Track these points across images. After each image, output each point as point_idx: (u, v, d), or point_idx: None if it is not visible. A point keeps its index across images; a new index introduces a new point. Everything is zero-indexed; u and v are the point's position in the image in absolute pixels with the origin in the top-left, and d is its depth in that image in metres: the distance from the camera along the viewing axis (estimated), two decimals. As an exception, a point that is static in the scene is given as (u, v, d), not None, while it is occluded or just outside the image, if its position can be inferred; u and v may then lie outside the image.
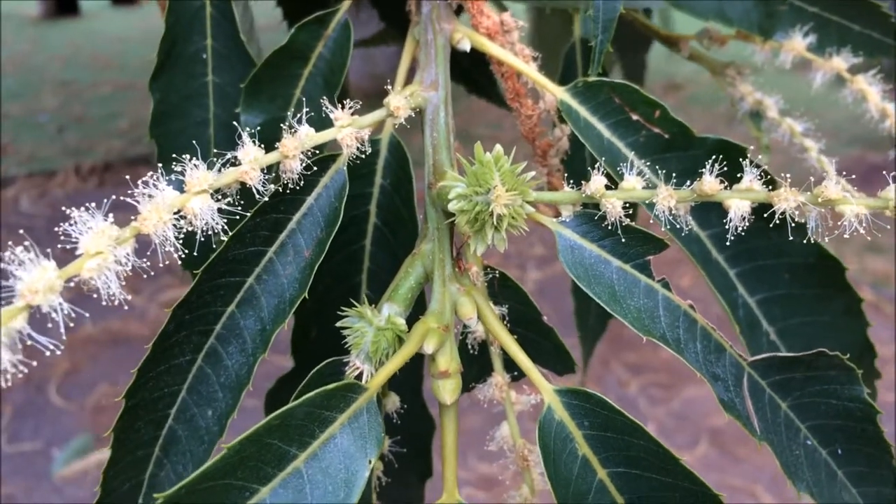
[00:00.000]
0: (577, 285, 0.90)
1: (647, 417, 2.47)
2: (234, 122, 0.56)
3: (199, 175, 0.41)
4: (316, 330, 0.62)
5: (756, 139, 0.72)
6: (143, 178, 0.40)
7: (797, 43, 0.68)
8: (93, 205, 0.38)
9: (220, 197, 0.42)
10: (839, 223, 0.39)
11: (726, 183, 0.43)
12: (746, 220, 0.42)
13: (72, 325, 0.34)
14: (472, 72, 0.95)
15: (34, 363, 0.34)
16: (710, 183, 0.42)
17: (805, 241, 0.57)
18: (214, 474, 0.35)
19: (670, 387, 2.59)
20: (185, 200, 0.40)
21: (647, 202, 0.45)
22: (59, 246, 0.37)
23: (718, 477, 2.21)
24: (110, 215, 0.37)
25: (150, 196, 0.40)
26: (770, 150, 0.73)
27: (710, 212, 0.57)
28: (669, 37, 0.75)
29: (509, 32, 0.58)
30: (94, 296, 0.38)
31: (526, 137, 0.61)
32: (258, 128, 0.63)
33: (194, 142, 0.68)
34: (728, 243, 0.58)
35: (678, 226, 0.45)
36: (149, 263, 0.39)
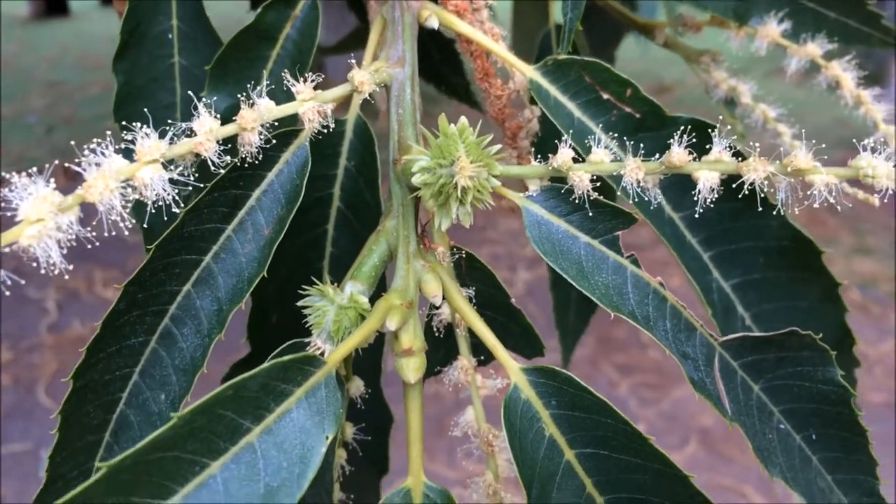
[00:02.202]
0: (556, 284, 0.89)
1: (638, 418, 2.47)
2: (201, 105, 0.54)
3: (150, 144, 0.40)
4: (276, 315, 0.60)
5: (731, 126, 0.72)
6: (91, 146, 0.38)
7: (772, 29, 0.67)
8: (34, 170, 0.36)
9: (172, 168, 0.41)
10: (809, 192, 0.38)
11: (695, 154, 0.42)
12: (715, 192, 0.41)
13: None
14: (443, 69, 0.94)
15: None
16: (678, 154, 0.41)
17: (780, 223, 0.57)
18: (163, 444, 0.33)
19: (660, 387, 2.59)
20: (134, 169, 0.39)
21: (615, 175, 0.44)
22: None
23: (708, 476, 2.21)
24: (52, 181, 0.36)
25: (97, 164, 0.38)
26: (745, 137, 0.72)
27: (684, 194, 0.56)
28: (644, 24, 0.75)
29: (478, 10, 0.57)
30: (42, 270, 0.36)
31: (495, 119, 0.60)
32: (224, 111, 0.63)
33: (170, 122, 0.66)
34: (702, 226, 0.58)
35: (646, 199, 0.43)
36: (94, 234, 0.38)
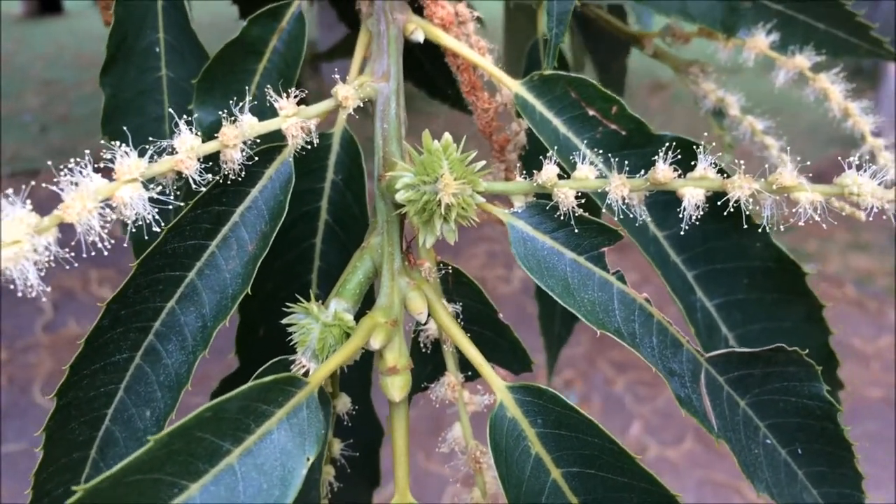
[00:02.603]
0: (541, 292, 0.89)
1: (634, 415, 2.47)
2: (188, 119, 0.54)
3: (129, 163, 0.39)
4: (263, 329, 0.60)
5: (719, 137, 0.72)
6: (69, 165, 0.38)
7: (760, 41, 0.68)
8: (10, 190, 0.35)
9: (153, 187, 0.40)
10: (794, 210, 0.38)
11: (680, 171, 0.42)
12: (700, 209, 0.41)
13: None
14: (434, 75, 0.94)
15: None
16: (663, 171, 0.41)
17: (765, 244, 0.57)
18: (141, 467, 0.33)
19: (655, 384, 2.60)
20: (113, 189, 0.38)
21: (601, 192, 0.44)
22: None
23: (703, 473, 2.22)
24: (28, 202, 0.35)
25: (75, 184, 0.38)
26: (733, 148, 0.72)
27: (668, 212, 0.56)
28: (633, 35, 0.75)
29: (464, 24, 0.57)
30: (20, 293, 0.36)
31: (483, 132, 0.60)
32: (212, 124, 0.62)
33: (151, 139, 0.66)
34: (687, 245, 0.58)
35: (631, 216, 0.43)
36: (73, 254, 0.37)
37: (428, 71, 0.91)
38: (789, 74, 0.68)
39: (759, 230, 0.58)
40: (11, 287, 0.35)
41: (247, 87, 0.65)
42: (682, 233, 0.43)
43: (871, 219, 0.39)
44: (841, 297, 3.03)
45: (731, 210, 0.56)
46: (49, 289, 0.36)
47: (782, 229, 0.39)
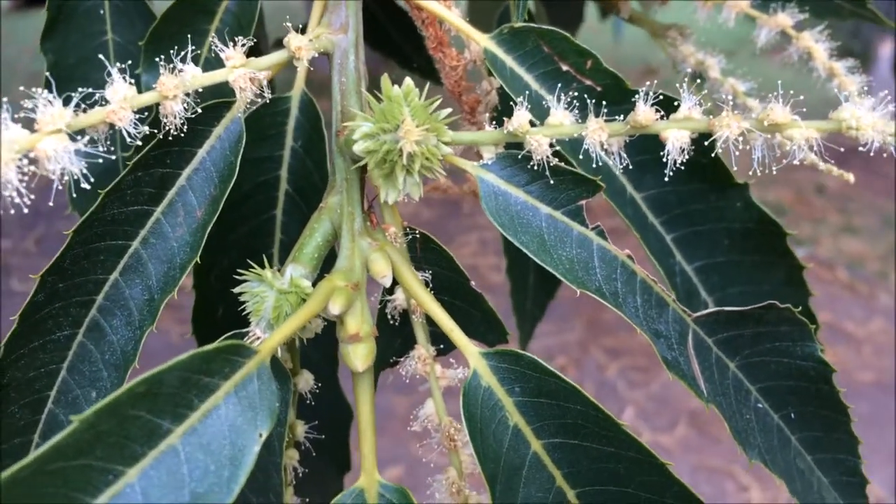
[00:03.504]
0: (512, 268, 0.86)
1: (627, 401, 2.46)
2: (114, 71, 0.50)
3: (53, 112, 0.35)
4: (223, 308, 0.56)
5: (699, 102, 0.68)
6: (-15, 114, 0.33)
7: (740, 0, 0.64)
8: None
9: (80, 138, 0.36)
10: (788, 149, 0.35)
11: (662, 113, 0.39)
12: (686, 153, 0.38)
13: None
14: (400, 43, 0.90)
15: None
16: (644, 112, 0.38)
17: (745, 205, 0.54)
18: (65, 453, 0.29)
19: (648, 370, 2.59)
20: (33, 140, 0.34)
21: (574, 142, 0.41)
22: None
23: (697, 458, 2.21)
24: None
25: (-9, 134, 0.33)
26: (706, 100, 0.69)
27: (645, 173, 0.53)
28: (606, -5, 0.71)
29: (429, -26, 0.53)
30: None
31: (452, 92, 0.56)
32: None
33: (80, 89, 0.62)
34: (665, 207, 0.55)
35: (612, 162, 0.40)
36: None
37: (395, 39, 0.87)
38: (771, 33, 0.65)
39: (739, 190, 0.55)
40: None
41: (198, 51, 0.61)
42: (665, 179, 0.40)
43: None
44: (833, 281, 3.03)
45: (712, 166, 0.54)
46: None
47: (774, 172, 0.36)
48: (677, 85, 0.39)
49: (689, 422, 2.35)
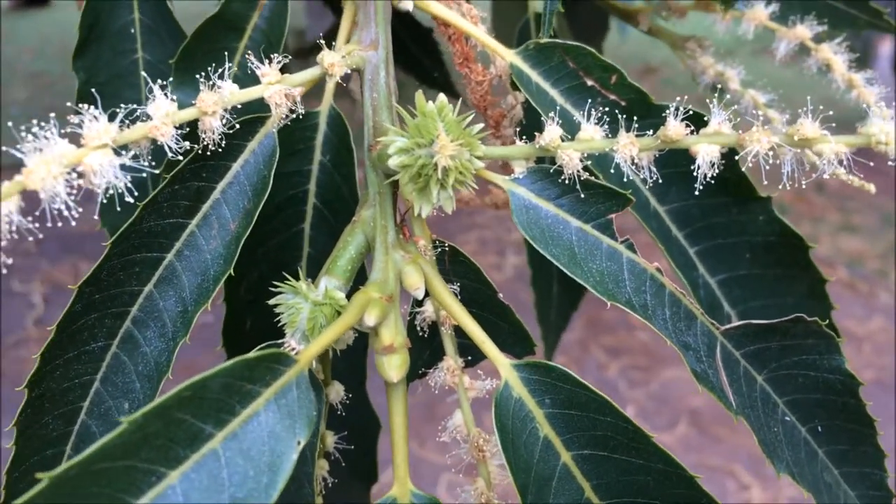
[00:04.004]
0: (536, 279, 0.86)
1: (627, 400, 2.45)
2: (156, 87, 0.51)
3: (99, 128, 0.36)
4: (251, 321, 0.56)
5: (728, 118, 0.69)
6: (32, 129, 0.34)
7: (759, 12, 0.65)
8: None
9: (124, 153, 0.37)
10: (817, 163, 0.35)
11: (692, 127, 0.39)
12: (716, 167, 0.38)
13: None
14: (420, 58, 0.91)
15: None
16: (675, 127, 0.38)
17: (768, 219, 0.55)
18: (113, 453, 0.30)
19: (649, 369, 2.57)
20: (81, 155, 0.35)
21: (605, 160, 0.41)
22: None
23: (697, 457, 2.19)
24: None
25: (39, 149, 0.34)
26: (735, 117, 0.70)
27: (670, 186, 0.54)
28: (626, 10, 0.72)
29: (456, -8, 0.54)
30: None
31: (477, 107, 0.57)
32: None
33: (122, 105, 0.63)
34: (689, 220, 0.55)
35: (642, 177, 0.40)
36: (37, 225, 0.34)
37: (414, 53, 0.88)
38: (790, 46, 0.65)
39: (762, 204, 0.56)
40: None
41: (228, 67, 0.62)
42: (696, 195, 0.40)
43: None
44: (833, 280, 3.02)
45: (735, 179, 0.54)
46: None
47: (804, 186, 0.37)
48: (710, 103, 0.39)
49: (689, 421, 2.34)
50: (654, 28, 0.73)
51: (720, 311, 0.57)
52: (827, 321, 0.55)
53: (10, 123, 0.39)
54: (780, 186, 0.36)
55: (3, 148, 0.35)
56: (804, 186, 0.37)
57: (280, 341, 0.42)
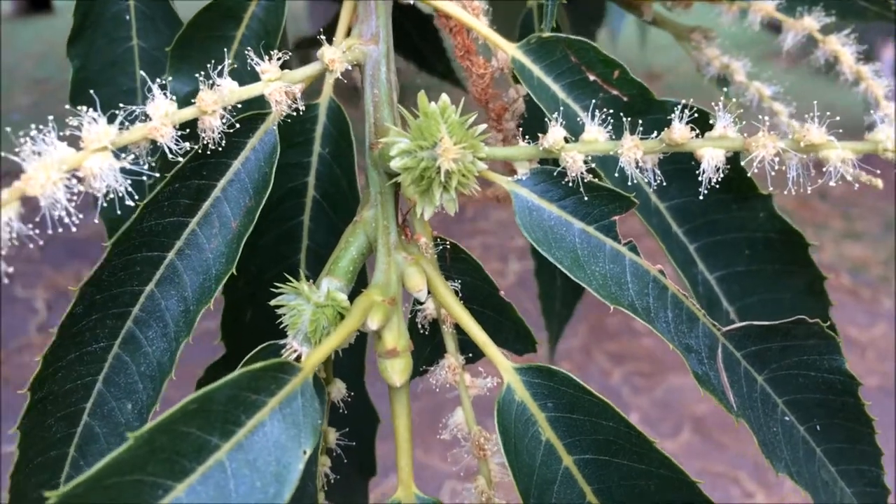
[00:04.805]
0: (540, 271, 0.86)
1: (631, 406, 2.46)
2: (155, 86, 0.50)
3: (98, 130, 0.36)
4: (251, 313, 0.56)
5: (724, 105, 0.69)
6: (31, 133, 0.34)
7: (766, 3, 0.64)
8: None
9: (125, 156, 0.37)
10: (824, 170, 0.35)
11: (697, 131, 0.39)
12: (721, 171, 0.38)
13: None
14: (421, 46, 0.90)
15: None
16: (680, 130, 0.38)
17: (768, 215, 0.55)
18: (120, 468, 0.30)
19: (653, 375, 2.58)
20: (80, 159, 0.35)
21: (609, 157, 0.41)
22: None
23: (702, 464, 2.21)
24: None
25: (38, 154, 0.34)
26: (740, 119, 0.69)
27: (669, 183, 0.53)
28: (630, 0, 0.71)
29: (458, -17, 0.53)
30: None
31: (478, 100, 0.57)
32: (188, 95, 0.58)
33: (121, 105, 0.62)
34: (688, 216, 0.55)
35: (647, 180, 0.40)
36: (38, 232, 0.34)
37: (416, 42, 0.87)
38: (797, 37, 0.65)
39: (763, 200, 0.55)
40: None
41: (225, 56, 0.61)
42: (700, 197, 0.40)
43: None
44: (835, 286, 3.02)
45: (736, 177, 0.54)
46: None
47: (809, 191, 0.36)
48: (709, 113, 0.39)
49: (693, 427, 2.35)
50: (659, 18, 0.72)
51: (719, 307, 0.57)
52: (828, 322, 0.55)
53: (8, 129, 0.38)
54: (786, 192, 0.36)
55: (4, 154, 0.34)
56: (808, 192, 0.37)
57: (281, 342, 0.42)
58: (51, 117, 0.35)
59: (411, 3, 0.52)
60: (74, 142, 0.36)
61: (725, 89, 0.69)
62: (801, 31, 0.63)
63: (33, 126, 0.33)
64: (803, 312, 0.56)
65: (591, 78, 0.52)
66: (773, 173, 0.37)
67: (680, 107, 0.40)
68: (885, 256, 3.24)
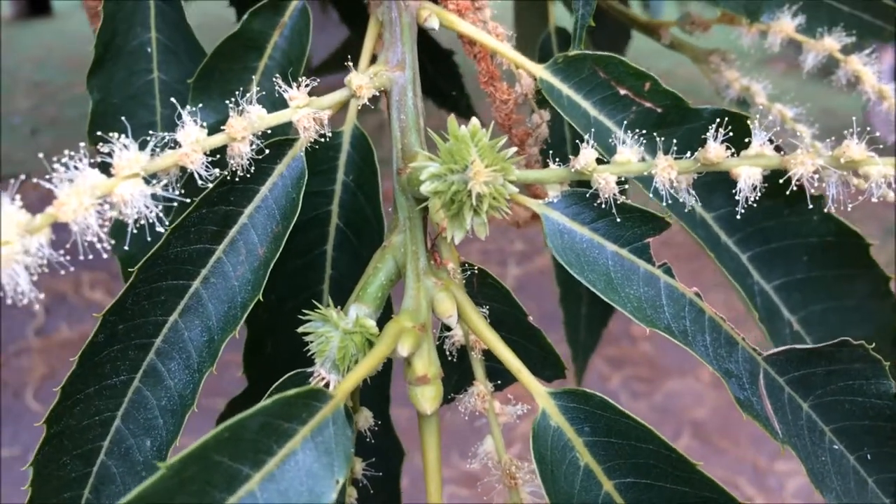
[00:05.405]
0: (565, 298, 0.85)
1: (630, 411, 2.42)
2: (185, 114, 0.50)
3: (129, 157, 0.35)
4: (271, 344, 0.55)
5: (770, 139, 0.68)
6: (63, 160, 0.34)
7: (786, 24, 0.64)
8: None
9: (155, 183, 0.36)
10: (865, 185, 0.34)
11: (733, 150, 0.38)
12: (758, 190, 0.37)
13: None
14: (435, 78, 0.90)
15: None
16: (715, 150, 0.37)
17: (822, 218, 0.53)
18: (150, 499, 0.29)
19: (651, 380, 2.55)
20: (112, 185, 0.34)
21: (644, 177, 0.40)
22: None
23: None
24: (18, 198, 0.31)
25: (69, 180, 0.34)
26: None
27: (713, 192, 0.52)
28: (648, 24, 0.71)
29: (481, 10, 0.53)
30: (9, 300, 0.32)
31: (501, 126, 0.56)
32: (209, 127, 0.58)
33: (151, 133, 0.62)
34: (738, 225, 0.53)
35: (681, 200, 0.39)
36: (69, 258, 0.33)
37: (430, 74, 0.87)
38: (818, 58, 0.64)
39: (812, 204, 0.54)
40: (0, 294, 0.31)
41: (247, 86, 0.61)
42: (737, 216, 0.39)
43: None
44: None
45: (784, 182, 0.53)
46: (42, 295, 0.32)
47: (850, 209, 0.35)
48: (751, 125, 0.38)
49: (692, 433, 2.31)
50: (676, 42, 0.72)
51: (779, 317, 0.55)
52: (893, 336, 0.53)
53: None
54: (821, 217, 0.35)
55: (3, 155, 0.34)
56: (850, 210, 0.36)
57: (309, 370, 0.41)
58: (82, 144, 0.35)
59: (435, 27, 0.52)
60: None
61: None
62: (821, 52, 0.63)
63: (67, 152, 0.33)
64: (870, 317, 0.55)
65: (622, 92, 0.51)
66: (812, 190, 0.36)
67: (711, 112, 0.39)
68: (884, 261, 3.19)
